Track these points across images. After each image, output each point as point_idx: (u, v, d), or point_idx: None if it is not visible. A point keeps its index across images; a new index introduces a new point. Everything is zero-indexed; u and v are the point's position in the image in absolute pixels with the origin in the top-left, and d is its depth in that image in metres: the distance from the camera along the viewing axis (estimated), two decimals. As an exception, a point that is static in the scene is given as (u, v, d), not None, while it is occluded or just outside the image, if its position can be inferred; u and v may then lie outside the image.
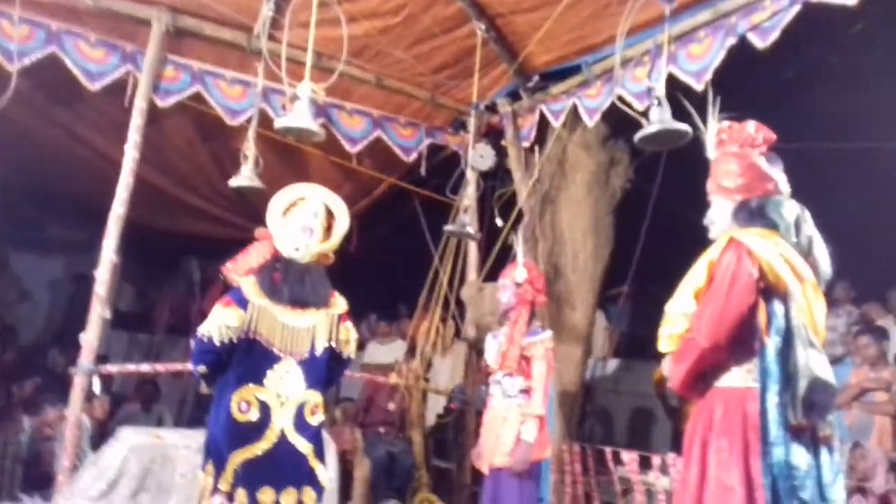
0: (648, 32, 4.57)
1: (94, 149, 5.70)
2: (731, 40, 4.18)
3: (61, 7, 4.46)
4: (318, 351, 3.13)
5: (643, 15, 4.18)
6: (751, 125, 2.69)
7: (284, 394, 3.04)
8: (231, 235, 7.27)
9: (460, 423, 5.97)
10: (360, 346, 7.95)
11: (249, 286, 3.07)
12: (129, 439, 4.14)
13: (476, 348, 5.93)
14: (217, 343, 2.98)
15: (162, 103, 4.77)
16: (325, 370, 3.19)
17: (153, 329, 9.01)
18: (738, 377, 2.47)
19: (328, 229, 3.25)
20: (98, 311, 4.30)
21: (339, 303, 3.24)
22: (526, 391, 4.19)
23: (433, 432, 6.39)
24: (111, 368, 4.84)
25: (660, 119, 3.39)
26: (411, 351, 6.50)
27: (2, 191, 8.17)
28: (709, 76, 4.25)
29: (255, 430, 2.98)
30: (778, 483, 2.29)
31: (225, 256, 3.43)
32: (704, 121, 2.81)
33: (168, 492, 4.04)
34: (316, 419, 3.13)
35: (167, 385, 7.52)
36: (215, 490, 2.94)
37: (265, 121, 5.02)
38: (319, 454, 3.13)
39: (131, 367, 5.31)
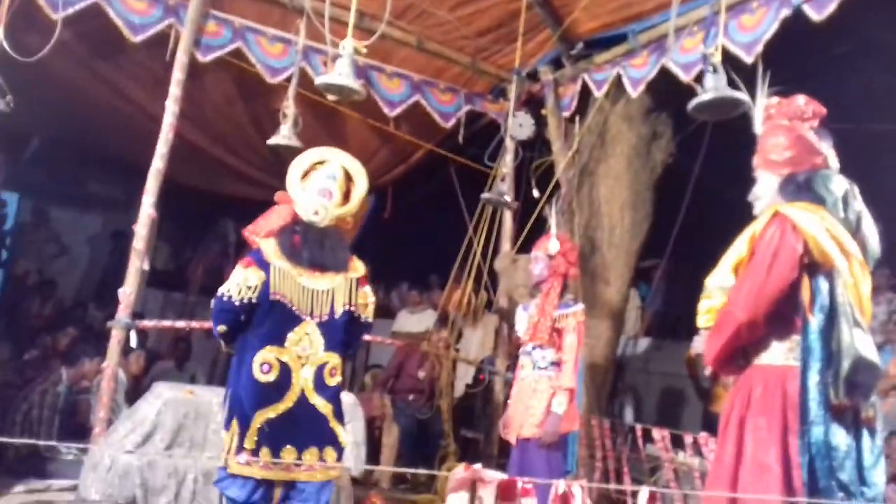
0: (698, 1, 4.45)
1: (134, 103, 5.72)
2: (786, 12, 4.05)
3: (106, -42, 4.46)
4: (337, 314, 3.16)
5: (696, -17, 4.08)
6: (800, 98, 2.61)
7: (304, 355, 3.08)
8: (267, 197, 7.18)
9: (488, 393, 5.96)
10: (391, 314, 8.00)
11: (270, 248, 3.10)
12: (164, 394, 4.18)
13: (507, 320, 5.91)
14: (236, 302, 3.02)
15: (203, 58, 4.75)
16: (344, 333, 3.21)
17: (187, 288, 9.10)
18: (779, 355, 2.40)
19: (347, 193, 3.26)
20: (136, 266, 4.33)
21: (358, 267, 3.27)
22: (556, 363, 4.17)
23: (461, 402, 6.40)
24: (147, 324, 4.89)
25: (715, 87, 3.29)
26: (442, 320, 6.49)
27: (43, 144, 8.30)
28: (760, 48, 4.12)
29: (276, 391, 3.03)
30: (816, 463, 2.24)
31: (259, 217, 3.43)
32: (752, 96, 2.74)
33: (201, 446, 4.09)
34: (335, 380, 3.16)
35: (200, 344, 7.61)
36: (241, 448, 2.98)
37: (304, 81, 5.00)
38: (339, 415, 3.17)
39: (167, 324, 5.38)
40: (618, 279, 5.49)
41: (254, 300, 3.04)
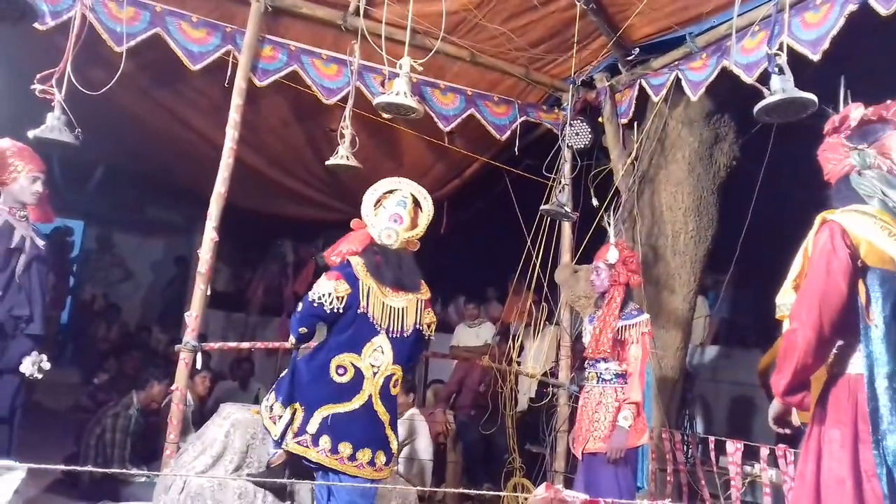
0: (758, 0, 4.33)
1: (193, 129, 5.83)
2: (852, 7, 3.89)
3: (165, -12, 4.54)
4: (408, 331, 3.48)
5: (756, -18, 3.97)
6: (833, 118, 2.59)
7: (377, 365, 3.39)
8: (324, 217, 7.37)
9: (552, 407, 5.86)
10: (450, 329, 7.97)
11: (358, 265, 3.44)
12: (233, 415, 4.21)
13: (568, 331, 5.81)
14: (327, 310, 3.36)
15: (260, 82, 4.79)
16: (411, 349, 3.54)
17: (248, 309, 9.23)
18: (851, 364, 2.33)
19: (415, 218, 3.59)
20: (201, 289, 4.39)
21: (426, 290, 3.61)
22: (622, 375, 4.12)
23: (525, 416, 6.30)
24: (213, 346, 4.94)
25: (782, 88, 3.17)
26: (503, 334, 6.42)
27: (106, 173, 8.55)
28: (826, 45, 3.97)
29: (347, 392, 3.34)
30: (895, 474, 2.15)
31: (317, 238, 3.68)
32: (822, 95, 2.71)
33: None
34: (396, 391, 3.51)
35: (262, 363, 7.69)
36: (303, 430, 3.29)
37: (359, 100, 5.02)
38: (394, 424, 3.48)
39: (232, 345, 5.44)
40: (683, 287, 5.34)
41: (340, 310, 3.36)
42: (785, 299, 2.53)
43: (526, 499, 4.95)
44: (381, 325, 3.41)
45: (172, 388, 4.42)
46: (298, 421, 3.33)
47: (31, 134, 3.95)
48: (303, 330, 3.45)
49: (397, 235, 3.48)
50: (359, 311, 3.38)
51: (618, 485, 3.98)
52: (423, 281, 3.61)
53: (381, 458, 3.37)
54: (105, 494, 4.72)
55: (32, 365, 3.61)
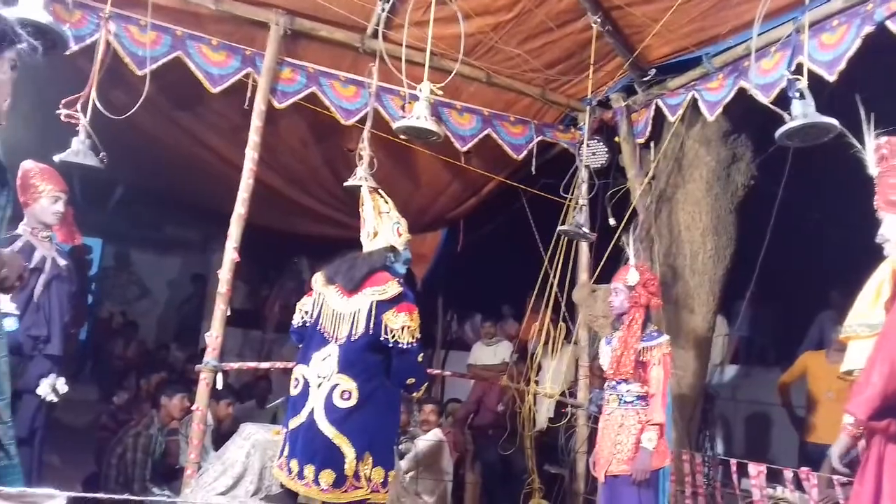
0: (774, 21, 4.34)
1: (211, 149, 5.87)
2: (868, 28, 3.90)
3: (185, 13, 4.60)
4: (356, 336, 3.23)
5: (773, 3, 3.97)
6: None
7: (322, 375, 3.23)
8: (341, 235, 7.37)
9: (571, 428, 5.82)
10: (467, 347, 7.95)
11: (318, 276, 3.47)
12: (253, 436, 4.22)
13: (587, 351, 5.79)
14: (296, 325, 3.48)
15: (279, 104, 4.84)
16: (364, 355, 3.23)
17: (265, 326, 9.25)
18: None
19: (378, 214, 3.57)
20: (221, 309, 4.41)
21: (385, 289, 3.28)
22: (643, 397, 4.10)
23: (544, 437, 6.26)
24: (233, 365, 4.97)
25: (803, 113, 3.18)
26: (521, 353, 6.39)
27: (125, 192, 8.62)
28: (842, 66, 3.97)
29: (298, 405, 3.28)
30: None
31: (334, 256, 3.61)
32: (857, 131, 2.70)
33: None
34: (347, 404, 3.16)
35: (279, 381, 7.69)
36: (281, 454, 3.30)
37: (377, 121, 5.05)
38: (357, 442, 3.14)
39: (252, 364, 5.45)
40: (702, 307, 5.31)
41: (308, 324, 3.40)
42: (858, 319, 2.51)
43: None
44: (328, 333, 3.30)
45: (193, 407, 4.43)
46: (280, 445, 3.35)
47: (56, 158, 3.99)
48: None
49: (366, 237, 3.50)
50: (311, 320, 3.40)
51: (641, 507, 3.97)
52: (386, 280, 3.31)
53: (328, 477, 3.11)
54: (125, 514, 4.72)
55: (49, 387, 3.61)
